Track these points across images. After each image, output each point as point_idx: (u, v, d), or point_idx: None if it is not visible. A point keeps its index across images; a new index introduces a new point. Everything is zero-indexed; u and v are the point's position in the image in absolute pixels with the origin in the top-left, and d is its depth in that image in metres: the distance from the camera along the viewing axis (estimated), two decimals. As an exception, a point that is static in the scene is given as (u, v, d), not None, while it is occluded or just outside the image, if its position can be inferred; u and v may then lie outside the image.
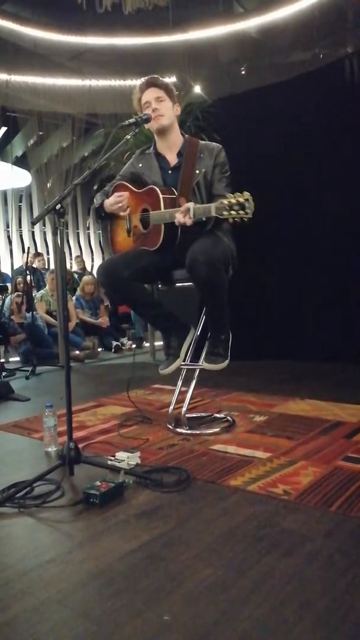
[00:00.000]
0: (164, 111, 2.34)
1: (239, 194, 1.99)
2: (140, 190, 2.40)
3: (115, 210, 2.39)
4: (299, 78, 4.03)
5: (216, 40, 5.88)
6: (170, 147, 2.43)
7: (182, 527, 1.43)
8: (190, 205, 2.13)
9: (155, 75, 2.40)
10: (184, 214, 2.13)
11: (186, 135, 2.47)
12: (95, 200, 2.53)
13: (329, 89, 3.71)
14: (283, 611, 1.04)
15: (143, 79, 2.39)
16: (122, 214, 2.42)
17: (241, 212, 1.96)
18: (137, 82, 2.43)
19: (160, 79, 2.39)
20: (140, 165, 2.47)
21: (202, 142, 2.43)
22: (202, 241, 2.15)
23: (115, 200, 2.37)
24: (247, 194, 1.97)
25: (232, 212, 1.97)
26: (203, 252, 2.09)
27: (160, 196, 2.28)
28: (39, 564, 1.28)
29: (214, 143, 2.43)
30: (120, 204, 2.37)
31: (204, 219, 2.12)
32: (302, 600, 1.07)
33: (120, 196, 2.37)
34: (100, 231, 11.22)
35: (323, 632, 0.97)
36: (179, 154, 2.40)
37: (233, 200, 1.97)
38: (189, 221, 2.13)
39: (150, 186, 2.36)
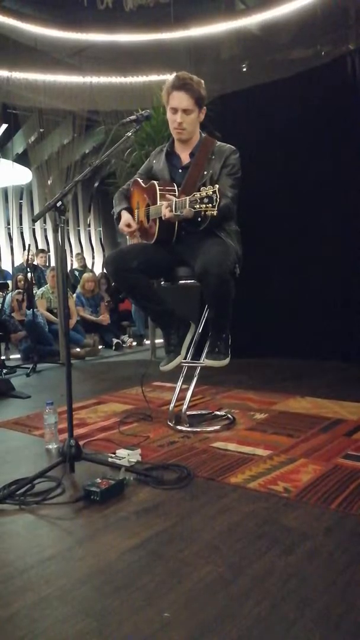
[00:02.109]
0: (187, 125, 2.30)
1: (210, 187, 1.99)
2: (145, 186, 2.43)
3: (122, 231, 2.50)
4: (300, 75, 4.02)
5: (218, 37, 5.85)
6: (185, 147, 2.42)
7: (183, 524, 1.43)
8: (173, 198, 2.15)
9: (189, 76, 2.26)
10: (167, 207, 2.15)
11: (203, 135, 2.43)
12: (114, 202, 2.57)
13: (331, 86, 3.70)
14: (283, 608, 1.04)
15: (176, 76, 2.27)
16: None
17: (209, 205, 1.96)
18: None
19: (195, 83, 2.25)
20: (154, 161, 2.51)
21: (218, 143, 2.38)
22: (214, 250, 2.15)
23: (125, 224, 2.45)
24: (215, 187, 1.97)
25: (202, 206, 1.97)
26: (215, 264, 2.10)
27: (157, 191, 2.29)
28: (39, 561, 1.29)
29: (228, 145, 2.38)
30: (125, 232, 2.47)
31: (181, 212, 2.11)
32: (302, 598, 1.07)
33: (129, 226, 2.44)
34: (101, 228, 11.22)
35: (323, 630, 0.97)
36: (192, 154, 2.39)
37: (203, 194, 1.97)
38: (169, 214, 2.14)
39: (152, 181, 2.38)
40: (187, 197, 2.06)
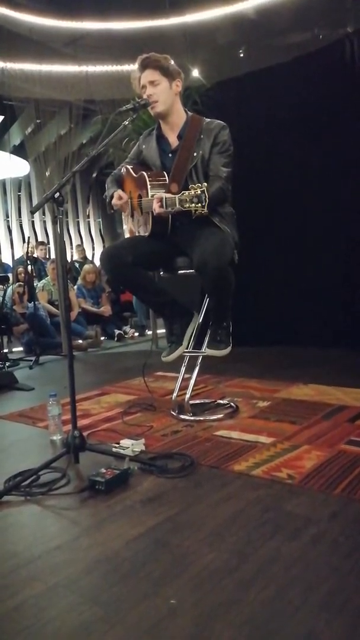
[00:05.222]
0: (159, 96, 2.27)
1: (199, 185, 1.97)
2: (136, 176, 2.39)
3: (115, 206, 2.42)
4: (298, 59, 3.96)
5: (214, 22, 5.80)
6: (172, 128, 2.37)
7: (187, 512, 1.44)
8: (163, 195, 2.12)
9: (149, 54, 2.29)
10: (157, 201, 2.12)
11: (190, 114, 2.38)
12: (107, 186, 2.53)
13: (328, 70, 3.66)
14: (287, 594, 1.05)
15: (139, 60, 2.29)
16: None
17: (199, 205, 1.94)
18: (134, 66, 2.37)
19: (154, 58, 2.27)
20: (144, 146, 2.46)
21: (206, 120, 2.33)
22: (211, 240, 2.13)
23: (116, 198, 2.38)
24: (204, 186, 1.95)
25: (192, 205, 1.95)
26: (214, 256, 2.08)
27: (148, 183, 2.25)
28: (46, 551, 1.30)
29: (217, 121, 2.33)
30: (117, 204, 2.39)
31: (172, 208, 2.07)
32: (307, 583, 1.08)
33: (120, 198, 2.37)
34: (101, 219, 11.18)
35: (327, 615, 0.98)
36: (180, 136, 2.35)
37: (192, 193, 1.95)
38: (160, 210, 2.11)
39: (142, 172, 2.34)
40: (177, 196, 2.02)
